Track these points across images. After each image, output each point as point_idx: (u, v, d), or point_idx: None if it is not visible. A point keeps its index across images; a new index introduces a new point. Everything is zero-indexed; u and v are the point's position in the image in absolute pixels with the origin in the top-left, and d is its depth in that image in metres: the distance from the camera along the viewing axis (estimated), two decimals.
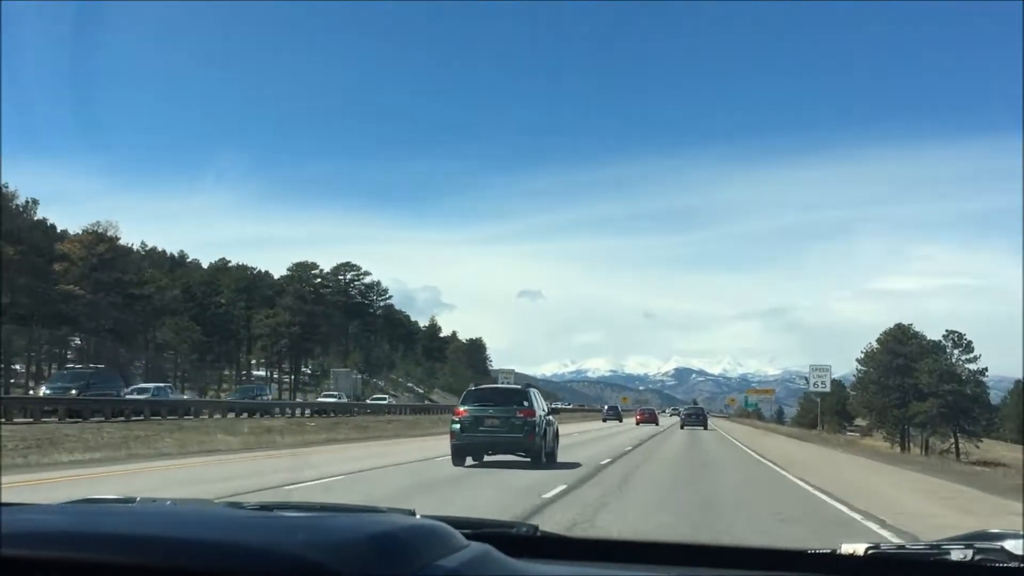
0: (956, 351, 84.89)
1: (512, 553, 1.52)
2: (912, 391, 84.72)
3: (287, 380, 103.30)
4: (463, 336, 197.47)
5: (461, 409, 20.54)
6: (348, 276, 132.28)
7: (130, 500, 1.87)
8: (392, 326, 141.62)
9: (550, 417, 21.85)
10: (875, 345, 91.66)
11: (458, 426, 20.19)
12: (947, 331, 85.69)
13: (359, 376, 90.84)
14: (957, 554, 1.83)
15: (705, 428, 66.12)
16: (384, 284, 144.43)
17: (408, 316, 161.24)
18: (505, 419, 20.01)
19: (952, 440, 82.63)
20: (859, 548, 1.91)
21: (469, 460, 20.35)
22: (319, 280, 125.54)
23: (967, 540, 1.90)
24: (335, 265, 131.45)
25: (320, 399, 71.18)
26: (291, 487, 13.95)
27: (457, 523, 1.62)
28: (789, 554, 1.96)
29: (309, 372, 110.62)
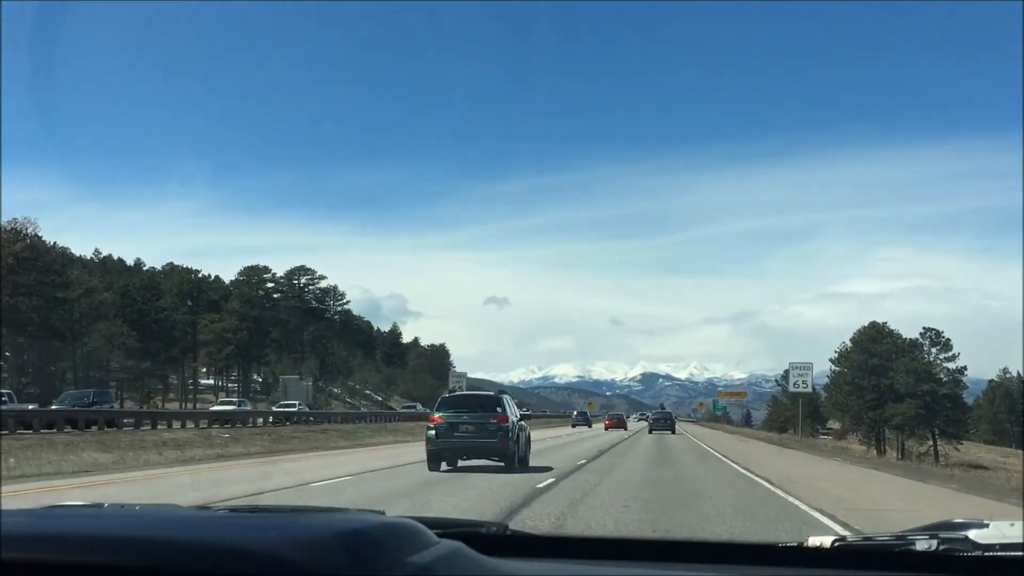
0: (934, 350, 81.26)
1: (483, 551, 1.52)
2: (888, 392, 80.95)
3: (234, 388, 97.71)
4: (429, 343, 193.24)
5: (436, 416, 21.00)
6: (303, 280, 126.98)
7: (98, 505, 1.84)
8: (350, 332, 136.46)
9: (522, 423, 22.39)
10: (849, 344, 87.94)
11: (433, 432, 20.61)
12: (924, 328, 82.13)
13: (309, 383, 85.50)
14: (922, 544, 1.87)
15: (673, 432, 66.12)
16: (347, 291, 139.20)
17: (369, 322, 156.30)
18: (479, 425, 20.53)
19: (930, 442, 78.94)
20: (826, 540, 1.96)
21: (444, 465, 20.85)
22: (271, 284, 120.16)
23: (932, 530, 1.92)
24: (289, 269, 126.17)
25: (276, 408, 65.81)
26: None
27: (428, 522, 1.63)
28: (759, 548, 2.00)
29: (260, 380, 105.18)
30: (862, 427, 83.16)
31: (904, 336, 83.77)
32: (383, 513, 1.70)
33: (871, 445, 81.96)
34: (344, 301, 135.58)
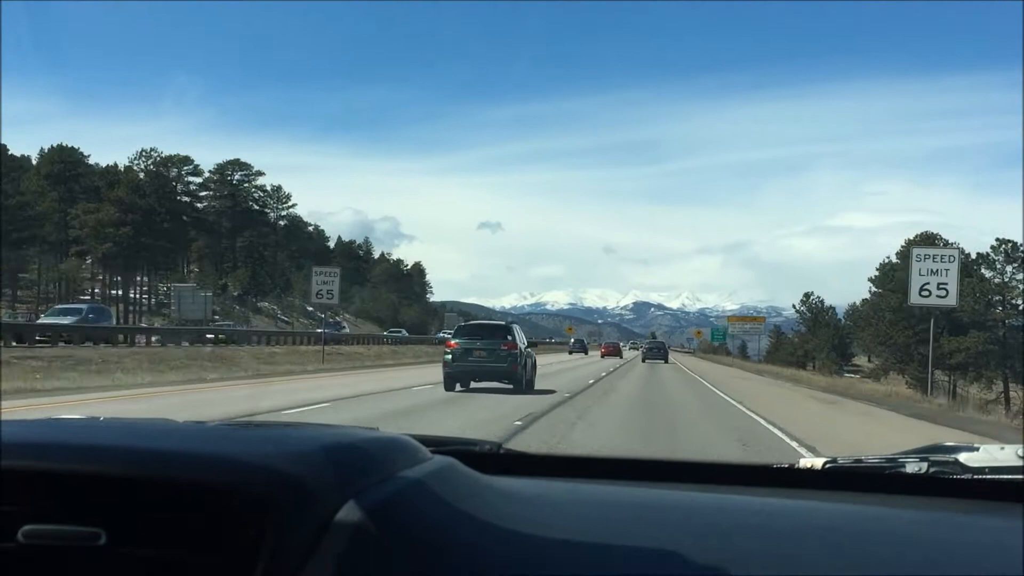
0: (1010, 268, 61.37)
1: (476, 467, 1.54)
2: (946, 321, 61.20)
3: (116, 296, 77.78)
4: (424, 268, 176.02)
5: (452, 342, 23.19)
6: (236, 176, 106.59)
7: (94, 418, 1.79)
8: (298, 240, 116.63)
9: (529, 350, 24.50)
10: (894, 259, 68.25)
11: (450, 356, 22.80)
12: (998, 240, 62.06)
13: (209, 295, 66.40)
14: (912, 467, 1.88)
15: (665, 361, 63.53)
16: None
17: (322, 230, 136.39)
18: (491, 351, 22.61)
19: (1002, 387, 59.63)
20: (817, 462, 1.97)
21: (458, 387, 22.77)
22: (196, 180, 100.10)
23: (922, 453, 1.92)
24: (221, 163, 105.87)
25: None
26: None
27: (422, 440, 1.63)
28: (752, 469, 2.03)
29: (166, 289, 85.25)
30: (912, 365, 63.64)
31: (967, 251, 63.93)
32: (376, 430, 1.68)
33: (917, 387, 63.44)
34: (289, 204, 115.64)
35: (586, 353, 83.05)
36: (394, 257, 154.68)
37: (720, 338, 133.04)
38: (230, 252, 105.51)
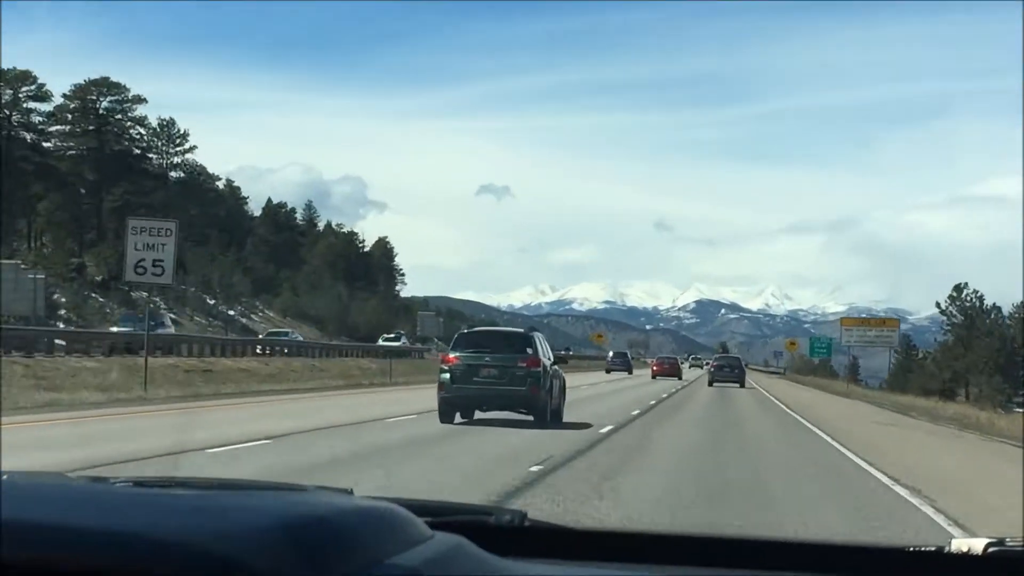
0: None
1: (492, 547, 1.51)
2: None
3: None
4: (392, 247, 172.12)
5: (451, 356, 23.85)
6: (103, 103, 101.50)
7: None
8: (194, 197, 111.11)
9: (556, 367, 25.14)
10: None
11: (448, 376, 23.26)
12: None
13: (39, 277, 61.60)
14: None
15: (741, 385, 63.74)
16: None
17: (238, 188, 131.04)
18: (504, 368, 23.18)
19: None
20: (976, 544, 1.98)
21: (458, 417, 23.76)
22: (33, 104, 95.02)
23: None
24: (81, 83, 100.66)
25: None
26: None
27: (419, 507, 1.60)
28: (879, 552, 2.01)
29: None
30: None
31: None
32: (350, 492, 1.65)
33: None
34: (186, 147, 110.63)
35: (630, 372, 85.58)
36: (347, 229, 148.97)
37: (823, 351, 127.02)
38: (94, 216, 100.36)
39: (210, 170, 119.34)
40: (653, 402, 37.61)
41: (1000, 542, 1.91)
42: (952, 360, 79.15)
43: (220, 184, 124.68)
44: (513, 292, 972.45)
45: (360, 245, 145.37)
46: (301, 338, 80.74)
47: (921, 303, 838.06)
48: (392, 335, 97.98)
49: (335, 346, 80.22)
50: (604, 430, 22.82)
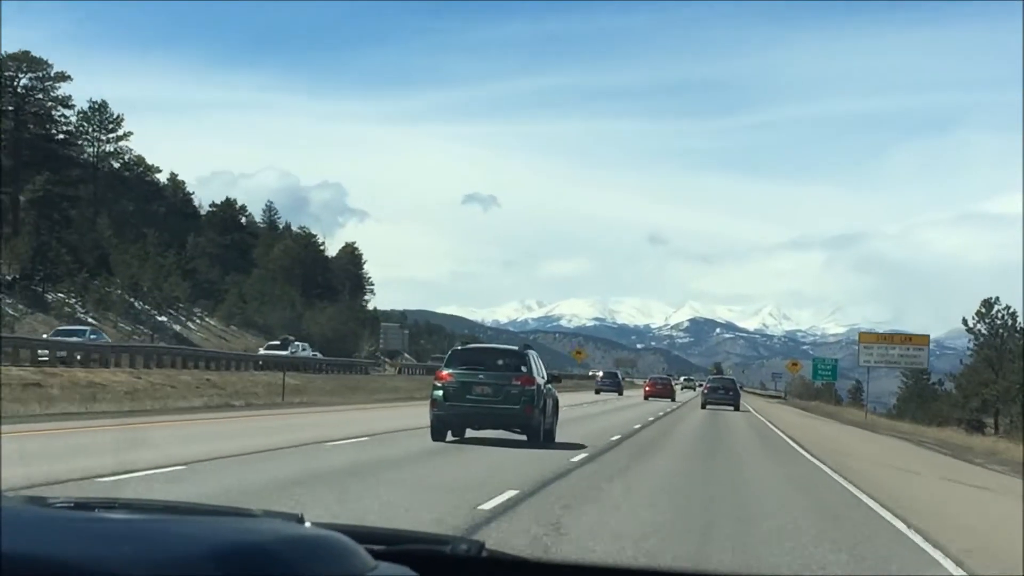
0: None
1: None
2: None
3: None
4: (361, 254, 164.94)
5: (445, 372, 24.53)
6: (23, 80, 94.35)
7: None
8: (133, 197, 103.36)
9: (549, 386, 25.95)
10: None
11: (441, 393, 23.96)
12: None
13: None
14: None
15: (736, 408, 63.82)
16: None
17: (182, 182, 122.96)
18: (498, 387, 23.77)
19: None
20: None
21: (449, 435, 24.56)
22: None
23: None
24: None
25: None
26: None
27: (370, 535, 1.61)
28: None
29: None
30: None
31: None
32: (301, 519, 1.62)
33: None
34: (119, 134, 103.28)
35: (620, 393, 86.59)
36: (307, 231, 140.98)
37: (827, 375, 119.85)
38: (8, 208, 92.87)
39: (149, 161, 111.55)
40: (638, 426, 37.10)
41: None
42: (980, 386, 71.05)
43: (162, 177, 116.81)
44: (498, 307, 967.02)
45: (320, 249, 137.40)
46: (107, 339, 64.86)
47: (928, 325, 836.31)
48: (278, 341, 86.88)
49: (249, 357, 71.18)
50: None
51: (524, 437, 23.87)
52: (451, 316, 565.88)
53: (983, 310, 74.14)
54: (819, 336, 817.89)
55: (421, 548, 1.80)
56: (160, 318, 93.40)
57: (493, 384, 23.69)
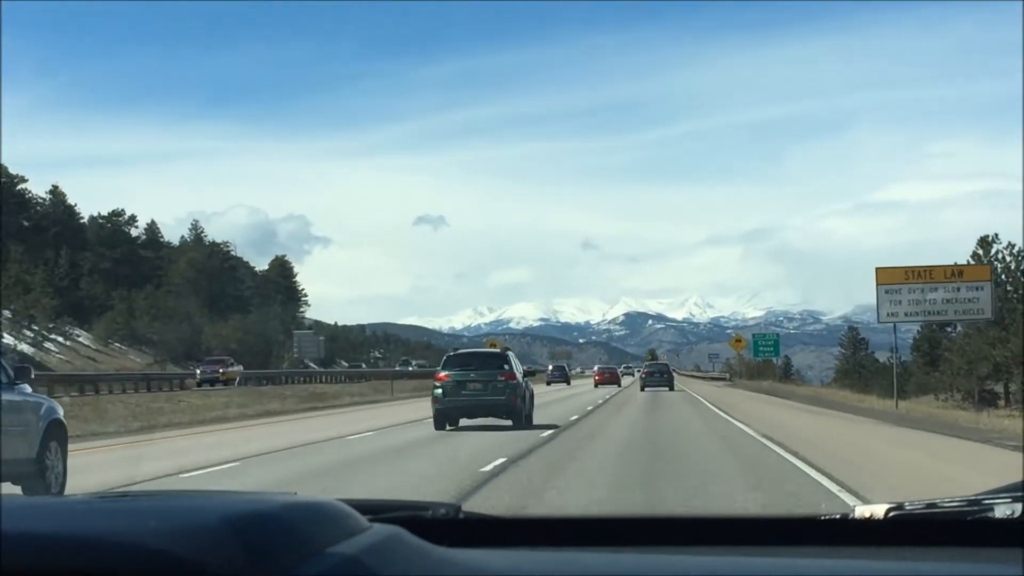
0: None
1: (429, 538, 1.54)
2: None
3: None
4: (292, 267, 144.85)
5: (442, 374, 26.08)
6: None
7: None
8: None
9: (527, 379, 27.80)
10: None
11: (440, 391, 25.60)
12: None
13: None
14: (1002, 509, 1.83)
15: (671, 388, 64.26)
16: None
17: (63, 194, 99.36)
18: (487, 383, 25.53)
19: None
20: (878, 510, 1.94)
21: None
22: None
23: (1012, 493, 1.87)
24: None
25: None
26: None
27: (358, 505, 1.63)
28: (791, 522, 1.98)
29: None
30: None
31: None
32: (295, 495, 1.69)
33: None
34: None
35: (568, 383, 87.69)
36: (226, 245, 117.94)
37: (769, 351, 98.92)
38: None
39: (12, 171, 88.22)
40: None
41: (899, 506, 1.88)
42: (985, 344, 48.75)
43: (30, 187, 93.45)
44: (453, 315, 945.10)
45: (225, 252, 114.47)
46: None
47: (833, 304, 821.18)
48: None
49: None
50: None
51: (510, 422, 25.16)
52: (412, 326, 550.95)
53: (979, 251, 51.37)
54: (740, 320, 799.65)
55: (404, 514, 1.85)
56: (6, 339, 70.55)
57: (482, 381, 25.34)
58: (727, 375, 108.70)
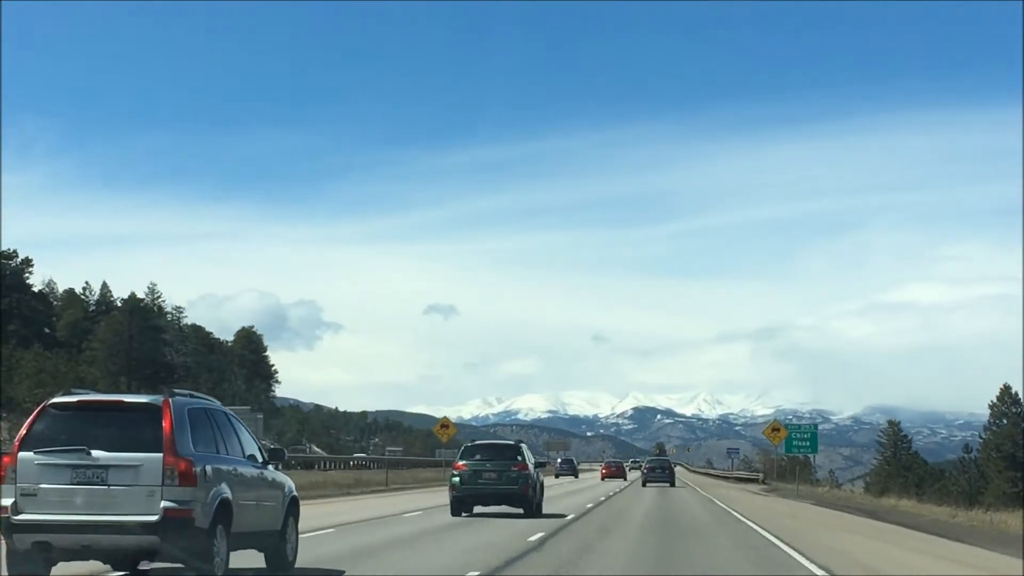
0: None
1: None
2: None
3: None
4: (261, 339, 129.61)
5: (460, 463, 27.92)
6: None
7: None
8: None
9: (537, 470, 29.30)
10: None
11: (458, 479, 27.54)
12: None
13: None
14: None
15: (672, 484, 65.28)
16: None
17: None
18: (501, 472, 27.38)
19: None
20: None
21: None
22: None
23: None
24: None
25: None
26: None
27: None
28: None
29: None
30: None
31: None
32: None
33: None
34: None
35: (576, 476, 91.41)
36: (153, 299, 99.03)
37: (806, 447, 78.07)
38: None
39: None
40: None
41: None
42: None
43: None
44: (462, 405, 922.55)
45: (158, 320, 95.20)
46: None
47: (843, 404, 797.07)
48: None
49: None
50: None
51: (520, 511, 26.90)
52: (420, 415, 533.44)
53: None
54: (749, 418, 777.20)
55: None
56: None
57: (497, 471, 27.10)
58: (760, 475, 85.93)
